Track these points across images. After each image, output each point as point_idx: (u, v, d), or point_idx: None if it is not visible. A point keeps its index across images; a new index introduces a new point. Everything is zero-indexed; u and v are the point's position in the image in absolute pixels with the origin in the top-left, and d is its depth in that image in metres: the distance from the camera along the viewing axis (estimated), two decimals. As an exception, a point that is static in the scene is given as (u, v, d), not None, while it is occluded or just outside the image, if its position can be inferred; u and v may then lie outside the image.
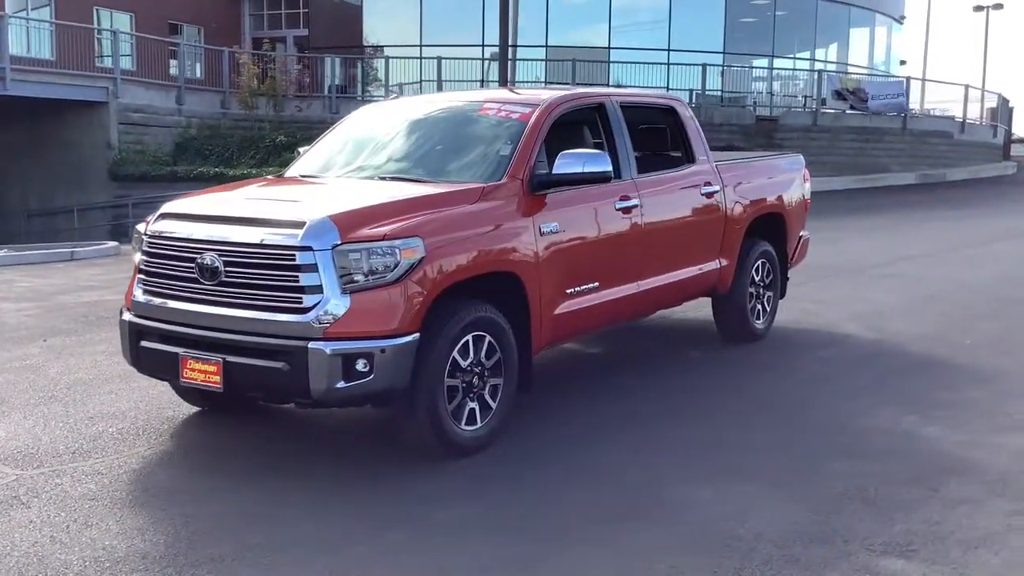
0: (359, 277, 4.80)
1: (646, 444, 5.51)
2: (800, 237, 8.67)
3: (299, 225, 4.84)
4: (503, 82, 21.40)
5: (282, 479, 4.98)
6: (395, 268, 4.83)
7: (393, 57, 29.30)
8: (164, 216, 5.43)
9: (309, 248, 4.77)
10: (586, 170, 5.73)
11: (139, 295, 5.40)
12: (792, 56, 35.28)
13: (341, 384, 4.75)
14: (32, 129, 23.10)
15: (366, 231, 4.86)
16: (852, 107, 30.09)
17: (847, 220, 19.05)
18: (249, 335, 4.90)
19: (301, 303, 4.79)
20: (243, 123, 25.10)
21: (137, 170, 22.13)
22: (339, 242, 4.78)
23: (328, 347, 4.71)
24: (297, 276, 4.78)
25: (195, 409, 6.06)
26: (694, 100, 29.15)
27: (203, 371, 5.00)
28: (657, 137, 7.45)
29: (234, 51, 24.73)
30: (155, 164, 22.52)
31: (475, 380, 5.23)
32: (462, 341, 5.12)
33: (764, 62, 33.68)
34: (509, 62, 31.54)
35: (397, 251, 4.83)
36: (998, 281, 11.26)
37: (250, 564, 3.99)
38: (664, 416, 6.04)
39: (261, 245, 4.90)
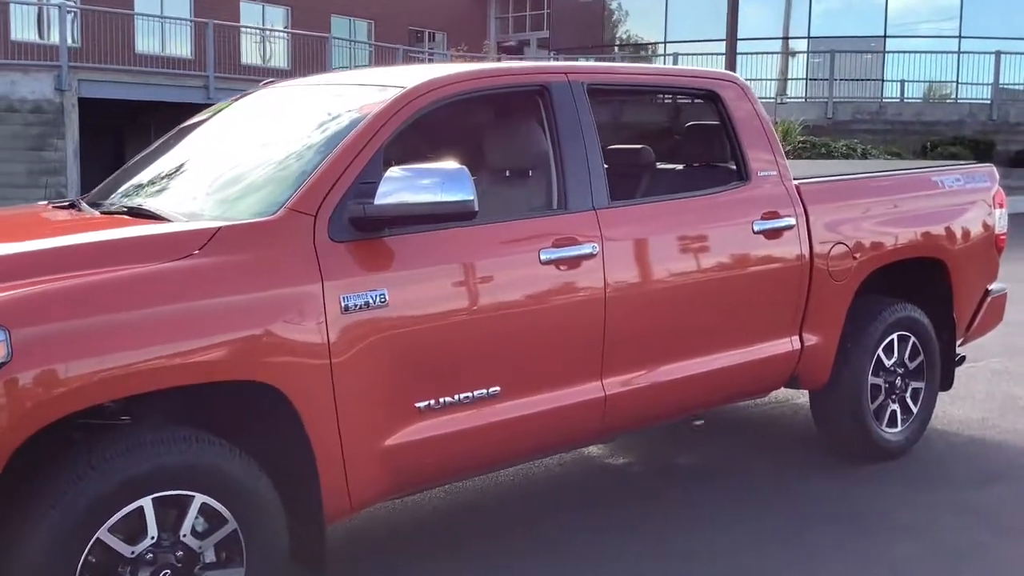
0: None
1: None
2: (987, 293, 5.54)
3: None
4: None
5: None
6: (-54, 379, 2.63)
7: (630, 56, 26.99)
8: None
9: None
10: (427, 200, 3.24)
11: None
12: None
13: None
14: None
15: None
16: None
17: None
18: None
19: None
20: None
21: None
22: None
23: None
24: None
25: None
26: (990, 94, 24.52)
27: None
28: (690, 141, 4.71)
29: (450, 54, 23.43)
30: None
31: (181, 567, 2.92)
32: (121, 512, 2.82)
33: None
34: (780, 56, 28.49)
35: (-54, 352, 2.63)
36: None
37: None
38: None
39: None
